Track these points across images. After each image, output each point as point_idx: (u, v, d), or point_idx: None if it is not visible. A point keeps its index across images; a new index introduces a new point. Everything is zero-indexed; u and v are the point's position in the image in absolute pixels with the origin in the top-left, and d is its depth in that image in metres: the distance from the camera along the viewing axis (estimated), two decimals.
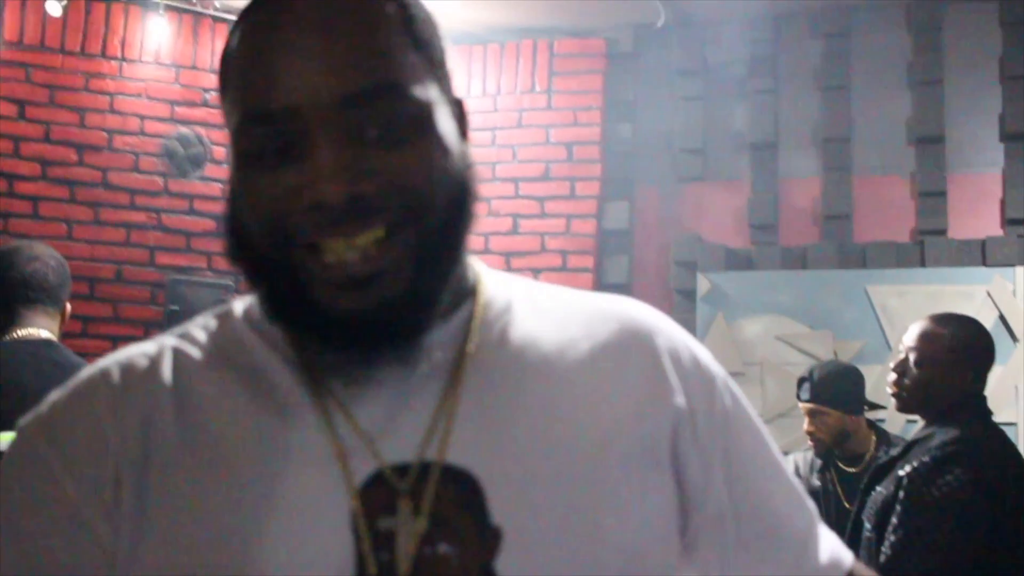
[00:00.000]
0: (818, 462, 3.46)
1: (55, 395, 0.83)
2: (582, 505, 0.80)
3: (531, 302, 0.91)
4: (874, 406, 3.51)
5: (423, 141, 0.78)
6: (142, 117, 4.91)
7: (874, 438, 3.42)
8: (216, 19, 4.95)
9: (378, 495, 0.77)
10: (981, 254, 4.43)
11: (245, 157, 0.78)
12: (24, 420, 0.82)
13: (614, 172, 5.03)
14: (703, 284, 4.74)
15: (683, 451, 0.86)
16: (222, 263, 4.17)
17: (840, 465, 3.41)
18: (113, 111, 4.87)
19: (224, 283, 4.86)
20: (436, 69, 0.82)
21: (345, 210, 0.74)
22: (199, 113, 4.96)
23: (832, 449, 3.40)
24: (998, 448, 2.61)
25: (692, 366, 0.90)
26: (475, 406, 0.82)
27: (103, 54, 4.89)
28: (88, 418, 0.80)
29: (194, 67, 4.98)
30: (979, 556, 2.42)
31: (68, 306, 2.56)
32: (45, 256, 2.52)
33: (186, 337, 0.87)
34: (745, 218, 4.88)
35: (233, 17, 0.89)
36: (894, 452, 2.73)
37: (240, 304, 0.89)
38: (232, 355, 0.84)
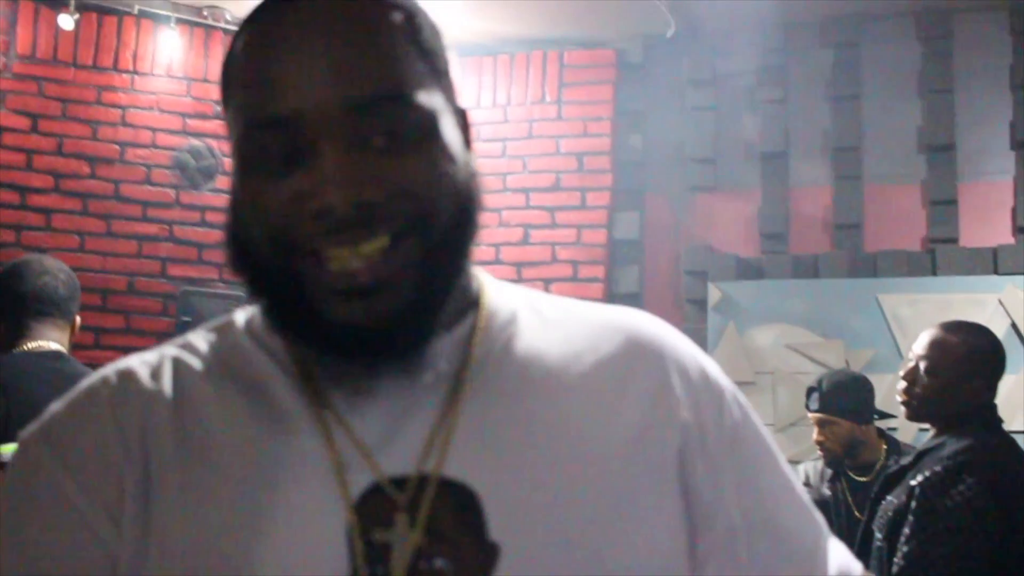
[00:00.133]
0: (828, 472, 3.45)
1: (56, 405, 0.83)
2: (583, 523, 0.78)
3: (536, 313, 0.89)
4: (884, 415, 3.50)
5: (428, 149, 0.77)
6: (154, 130, 4.93)
7: (885, 447, 3.40)
8: (227, 32, 4.97)
9: (375, 508, 0.76)
10: (993, 262, 4.41)
11: (249, 164, 0.77)
12: (26, 431, 0.82)
13: (624, 182, 5.02)
14: (714, 293, 4.72)
15: (691, 466, 0.84)
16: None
17: (851, 475, 3.40)
18: (125, 124, 4.90)
19: (235, 294, 4.87)
20: (441, 78, 0.81)
21: (350, 218, 0.73)
22: (211, 125, 4.97)
23: (842, 459, 3.38)
24: (1010, 457, 2.59)
25: (700, 380, 0.88)
26: (476, 419, 0.80)
27: (115, 67, 4.91)
28: (89, 426, 0.80)
29: (205, 80, 5.00)
30: (992, 566, 2.41)
31: (78, 319, 2.58)
32: (55, 269, 2.54)
33: (187, 347, 0.86)
34: (756, 227, 4.87)
35: None
36: (904, 461, 2.71)
37: (242, 315, 0.89)
38: (232, 365, 0.84)
